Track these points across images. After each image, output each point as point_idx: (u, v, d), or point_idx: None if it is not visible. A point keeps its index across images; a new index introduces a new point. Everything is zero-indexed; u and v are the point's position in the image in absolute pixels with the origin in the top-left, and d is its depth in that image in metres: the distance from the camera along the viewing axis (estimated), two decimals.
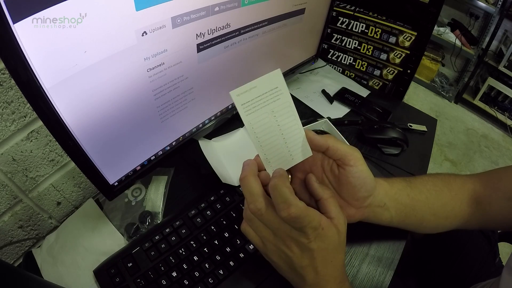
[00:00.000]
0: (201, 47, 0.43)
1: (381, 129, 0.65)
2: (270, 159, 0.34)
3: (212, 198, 0.50)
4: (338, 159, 0.36)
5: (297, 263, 0.33)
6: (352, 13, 0.78)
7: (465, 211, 0.45)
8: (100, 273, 0.43)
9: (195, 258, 0.44)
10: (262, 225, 0.34)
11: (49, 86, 0.29)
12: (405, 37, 0.74)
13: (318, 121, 0.64)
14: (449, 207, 0.45)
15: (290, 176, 0.38)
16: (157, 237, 0.45)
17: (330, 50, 0.87)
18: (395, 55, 0.77)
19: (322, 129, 0.64)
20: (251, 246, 0.46)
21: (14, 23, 0.24)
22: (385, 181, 0.42)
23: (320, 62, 0.88)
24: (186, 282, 0.42)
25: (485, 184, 0.45)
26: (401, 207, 0.42)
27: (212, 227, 0.47)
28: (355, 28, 0.80)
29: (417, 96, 2.21)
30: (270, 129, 0.33)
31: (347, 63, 0.86)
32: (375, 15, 0.76)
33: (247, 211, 0.34)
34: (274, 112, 0.33)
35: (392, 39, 0.76)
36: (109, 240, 0.48)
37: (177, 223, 0.47)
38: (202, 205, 0.49)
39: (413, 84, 2.24)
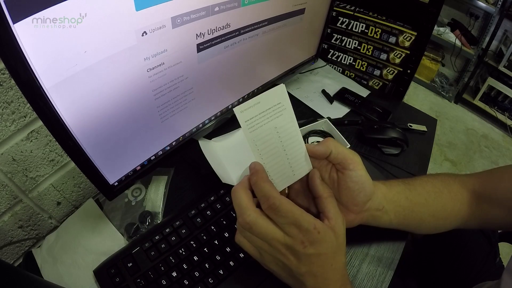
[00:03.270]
0: (201, 47, 0.43)
1: (381, 129, 0.65)
2: (273, 176, 0.34)
3: (212, 198, 0.50)
4: (338, 163, 0.36)
5: (295, 271, 0.33)
6: (352, 13, 0.78)
7: (464, 211, 0.45)
8: (100, 273, 0.43)
9: (195, 258, 0.44)
10: (255, 236, 0.33)
11: (49, 86, 0.29)
12: (405, 37, 0.74)
13: (318, 121, 0.64)
14: (449, 208, 0.45)
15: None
16: (157, 237, 0.45)
17: (330, 50, 0.87)
18: (395, 55, 0.77)
19: (322, 129, 0.64)
20: None
21: (14, 23, 0.24)
22: (384, 185, 0.42)
23: (320, 62, 0.88)
24: (186, 282, 0.42)
25: (485, 183, 0.45)
26: (400, 210, 0.42)
27: (212, 227, 0.47)
28: (355, 28, 0.80)
29: (417, 96, 2.21)
30: (273, 146, 0.33)
31: (347, 63, 0.86)
32: (375, 15, 0.76)
33: (238, 223, 0.34)
34: (277, 128, 0.32)
35: (392, 39, 0.76)
36: (109, 240, 0.48)
37: (177, 223, 0.47)
38: (202, 205, 0.49)
39: (413, 84, 2.24)
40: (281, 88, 0.31)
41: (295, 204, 0.32)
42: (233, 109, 0.30)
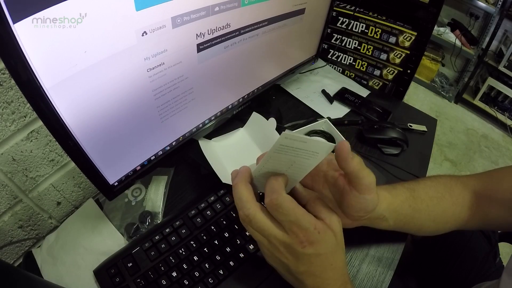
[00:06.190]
0: (201, 47, 0.43)
1: (381, 129, 0.65)
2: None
3: (212, 198, 0.50)
4: (352, 180, 0.33)
5: (294, 270, 0.33)
6: (352, 13, 0.78)
7: (465, 214, 0.45)
8: (100, 273, 0.43)
9: (195, 258, 0.44)
10: (255, 231, 0.33)
11: (49, 86, 0.29)
12: (405, 37, 0.74)
13: (318, 121, 0.64)
14: (450, 213, 0.45)
15: None
16: (157, 237, 0.45)
17: (330, 50, 0.87)
18: (395, 55, 0.77)
19: (322, 129, 0.64)
20: (251, 246, 0.46)
21: (14, 23, 0.24)
22: (389, 194, 0.41)
23: (320, 62, 0.87)
24: (186, 282, 0.42)
25: (485, 184, 0.45)
26: (401, 217, 0.42)
27: (212, 227, 0.47)
28: (355, 28, 0.80)
29: (417, 96, 2.21)
30: (277, 169, 0.34)
31: (347, 63, 0.86)
32: (375, 15, 0.76)
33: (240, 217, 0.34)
34: (293, 164, 0.32)
35: (392, 39, 0.76)
36: (109, 240, 0.48)
37: (177, 223, 0.47)
38: (202, 205, 0.49)
39: (413, 84, 2.24)
40: (330, 147, 0.31)
41: (297, 204, 0.31)
42: (283, 132, 0.29)
